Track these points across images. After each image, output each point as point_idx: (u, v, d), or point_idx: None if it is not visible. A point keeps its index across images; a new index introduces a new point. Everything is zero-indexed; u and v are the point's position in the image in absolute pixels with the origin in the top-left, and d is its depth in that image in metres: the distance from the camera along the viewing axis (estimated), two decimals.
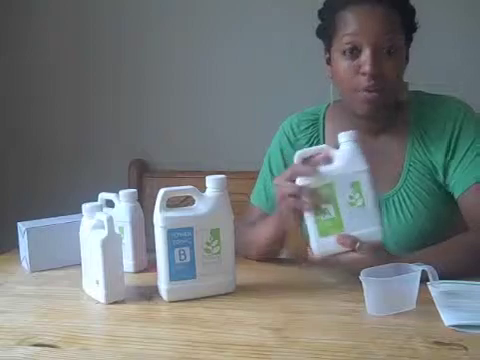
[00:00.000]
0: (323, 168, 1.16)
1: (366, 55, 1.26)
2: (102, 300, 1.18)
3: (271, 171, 1.49)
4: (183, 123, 2.46)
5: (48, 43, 2.53)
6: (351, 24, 1.28)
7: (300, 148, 1.36)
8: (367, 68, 1.26)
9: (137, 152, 2.49)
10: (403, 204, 1.37)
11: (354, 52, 1.28)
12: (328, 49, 1.36)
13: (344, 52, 1.29)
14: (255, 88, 2.36)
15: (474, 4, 2.16)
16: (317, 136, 1.46)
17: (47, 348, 1.00)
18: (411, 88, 1.40)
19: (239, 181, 1.56)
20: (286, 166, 1.45)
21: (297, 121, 1.49)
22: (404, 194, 1.37)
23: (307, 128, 1.47)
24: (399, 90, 1.34)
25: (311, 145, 1.44)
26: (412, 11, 1.34)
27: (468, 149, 1.33)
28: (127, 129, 2.51)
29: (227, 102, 2.41)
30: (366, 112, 1.32)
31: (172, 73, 2.44)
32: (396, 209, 1.37)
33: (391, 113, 1.38)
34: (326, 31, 1.34)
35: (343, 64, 1.30)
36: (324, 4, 1.36)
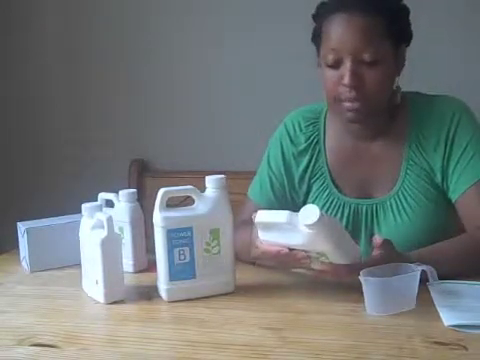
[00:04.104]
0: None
1: (346, 67, 1.28)
2: (101, 300, 1.18)
3: (269, 164, 1.50)
4: (183, 123, 2.46)
5: (49, 43, 2.53)
6: (333, 38, 1.29)
7: (299, 145, 1.46)
8: (346, 80, 1.28)
9: (137, 152, 2.49)
10: (400, 207, 1.37)
11: (337, 63, 1.29)
12: (318, 55, 1.37)
13: (328, 63, 1.31)
14: (255, 88, 2.36)
15: (474, 4, 2.15)
16: (317, 135, 1.46)
17: (47, 348, 1.00)
18: (409, 89, 1.40)
19: (239, 181, 1.56)
20: (284, 160, 1.47)
21: (299, 118, 1.49)
22: (401, 197, 1.37)
23: (308, 126, 1.47)
24: (387, 97, 1.35)
25: (310, 143, 1.46)
26: (400, 14, 1.32)
27: (465, 149, 1.33)
28: (127, 129, 2.51)
29: (227, 102, 2.41)
30: (350, 120, 1.33)
31: (172, 73, 2.44)
32: (394, 212, 1.37)
33: (384, 118, 1.38)
34: (315, 39, 1.36)
35: (327, 74, 1.32)
36: (316, 9, 1.36)
